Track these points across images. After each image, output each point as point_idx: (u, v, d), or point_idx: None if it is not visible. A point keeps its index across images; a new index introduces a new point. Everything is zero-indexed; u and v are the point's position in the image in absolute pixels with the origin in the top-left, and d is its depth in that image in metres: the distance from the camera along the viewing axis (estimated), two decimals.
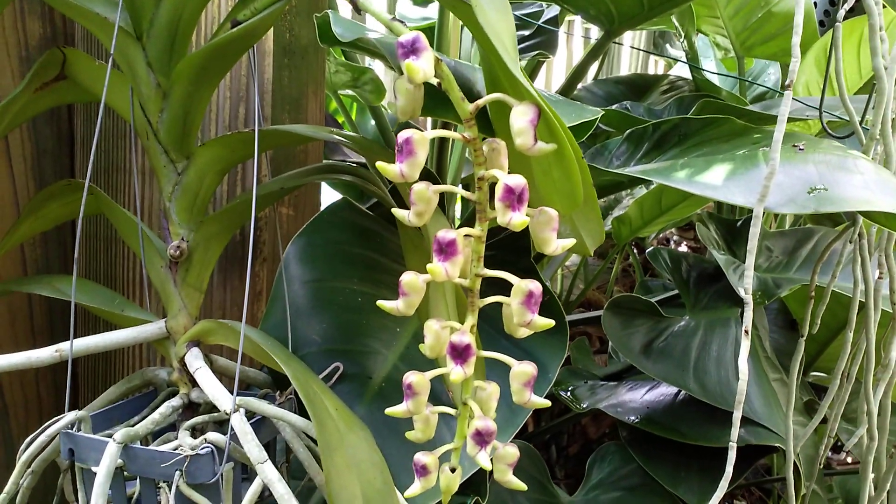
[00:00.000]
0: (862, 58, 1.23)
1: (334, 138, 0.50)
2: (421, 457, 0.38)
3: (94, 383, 0.63)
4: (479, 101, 0.36)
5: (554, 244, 0.37)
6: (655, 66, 2.23)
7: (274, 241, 0.64)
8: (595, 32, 1.81)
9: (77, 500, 0.52)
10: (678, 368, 0.74)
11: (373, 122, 1.27)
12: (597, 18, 0.81)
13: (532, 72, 1.11)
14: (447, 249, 0.35)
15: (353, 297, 0.56)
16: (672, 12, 1.00)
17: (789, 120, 0.86)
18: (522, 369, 0.37)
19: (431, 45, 0.92)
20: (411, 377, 0.37)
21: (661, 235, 1.79)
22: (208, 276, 0.48)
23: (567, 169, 0.37)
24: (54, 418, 0.44)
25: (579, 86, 1.21)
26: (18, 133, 0.61)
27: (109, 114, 0.60)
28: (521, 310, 0.36)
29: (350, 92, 1.03)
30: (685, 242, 1.85)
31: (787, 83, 0.51)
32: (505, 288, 0.37)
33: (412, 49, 0.33)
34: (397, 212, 0.38)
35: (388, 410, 0.37)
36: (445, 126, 0.68)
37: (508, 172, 0.36)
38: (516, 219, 0.34)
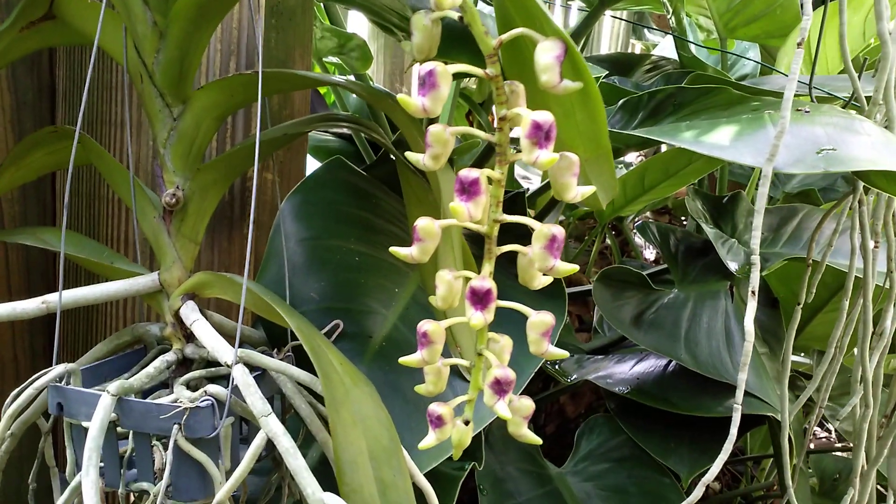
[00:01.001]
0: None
1: (340, 82, 0.48)
2: (436, 407, 0.36)
3: (75, 344, 0.61)
4: (504, 36, 0.34)
5: (574, 190, 0.36)
6: (633, 49, 2.24)
7: (261, 205, 0.62)
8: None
9: (57, 464, 0.49)
10: (669, 339, 0.74)
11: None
12: None
13: None
14: (470, 189, 0.33)
15: (351, 256, 0.55)
16: None
17: (772, 94, 0.86)
18: (541, 319, 0.36)
19: None
20: (427, 325, 0.36)
21: (636, 219, 1.79)
22: (204, 228, 0.46)
23: (592, 110, 0.36)
24: (41, 371, 0.41)
25: None
26: None
27: (95, 64, 0.58)
28: (544, 255, 0.34)
29: (334, 59, 1.01)
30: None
31: (798, 41, 0.50)
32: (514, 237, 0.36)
33: None
34: (412, 155, 0.36)
35: (403, 360, 0.36)
36: None
37: None
38: (543, 157, 0.32)
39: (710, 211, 0.92)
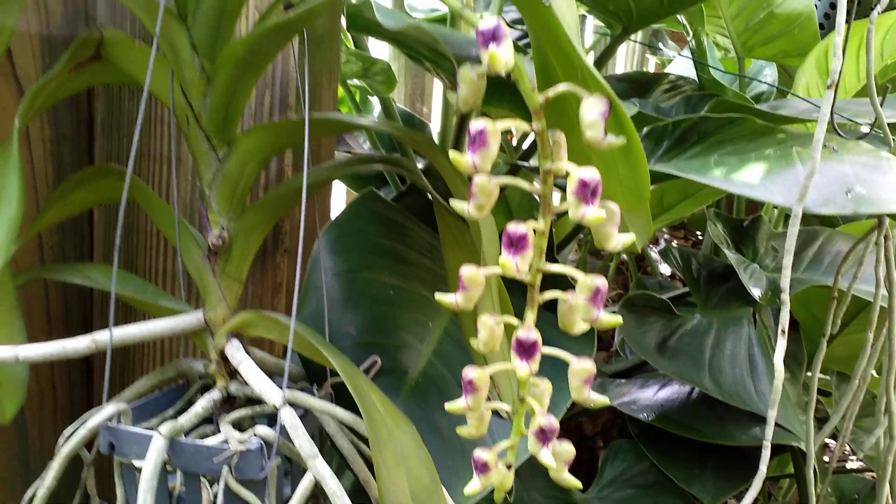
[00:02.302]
0: (861, 61, 1.25)
1: (381, 128, 0.49)
2: (481, 454, 0.37)
3: (112, 375, 0.62)
4: (550, 93, 0.35)
5: (615, 239, 0.37)
6: (646, 65, 2.24)
7: (294, 232, 0.63)
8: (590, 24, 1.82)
9: (98, 495, 0.51)
10: (693, 367, 0.74)
11: (376, 112, 1.26)
12: (615, 15, 0.81)
13: None
14: (518, 244, 0.34)
15: (385, 289, 0.56)
16: (687, 10, 1.00)
17: (794, 120, 0.87)
18: (582, 366, 0.37)
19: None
20: (472, 373, 0.37)
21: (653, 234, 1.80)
22: (247, 267, 0.47)
23: (634, 163, 0.37)
24: (93, 410, 0.43)
25: None
26: (38, 117, 0.59)
27: (135, 98, 0.59)
28: (588, 306, 0.35)
29: (358, 82, 1.02)
30: (675, 241, 1.86)
31: (829, 83, 0.51)
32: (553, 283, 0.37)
33: (494, 36, 0.32)
34: (457, 205, 0.37)
35: (448, 406, 0.37)
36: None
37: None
38: (590, 213, 0.33)
39: (731, 235, 0.93)
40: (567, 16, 0.37)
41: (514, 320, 0.38)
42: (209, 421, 0.47)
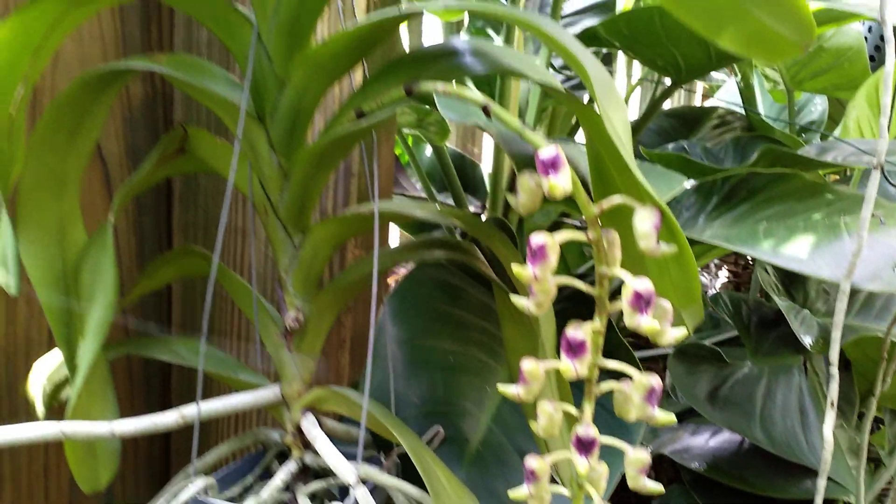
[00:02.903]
0: None
1: (444, 220, 0.52)
2: None
3: (187, 442, 0.66)
4: (605, 205, 0.38)
5: (669, 336, 0.39)
6: (693, 98, 2.25)
7: (356, 290, 0.67)
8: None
9: None
10: (744, 417, 0.76)
11: (427, 152, 1.29)
12: (664, 69, 0.83)
13: None
14: (577, 349, 0.37)
15: (446, 356, 0.59)
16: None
17: (832, 168, 0.88)
18: (637, 457, 0.39)
19: (492, 96, 0.94)
20: (533, 462, 0.39)
21: (701, 271, 1.80)
22: (321, 344, 0.51)
23: (686, 268, 0.40)
24: (181, 482, 0.46)
25: (629, 119, 1.23)
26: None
27: (211, 175, 0.63)
28: (643, 405, 0.38)
29: (412, 131, 1.06)
30: (725, 266, 1.86)
31: (875, 163, 0.52)
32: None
33: (552, 165, 0.35)
34: (518, 300, 0.40)
35: (512, 493, 0.40)
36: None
37: (622, 264, 0.38)
38: (645, 322, 0.36)
39: (782, 280, 0.94)
40: (619, 127, 0.40)
41: (572, 410, 0.40)
42: (286, 488, 0.51)
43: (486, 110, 0.40)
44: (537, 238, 0.37)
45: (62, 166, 0.50)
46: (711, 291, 1.87)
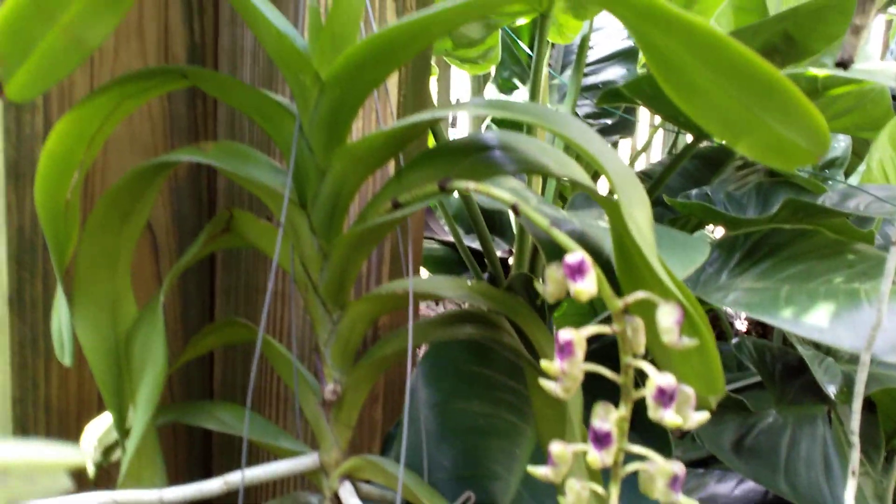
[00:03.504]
0: None
1: (474, 298, 0.54)
2: None
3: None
4: (629, 300, 0.40)
5: (691, 420, 0.41)
6: None
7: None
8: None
9: None
10: (768, 469, 0.77)
11: (455, 194, 1.32)
12: (685, 125, 0.85)
13: None
14: (603, 440, 0.39)
15: (476, 418, 0.61)
16: None
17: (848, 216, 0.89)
18: None
19: None
20: None
21: None
22: (357, 414, 0.53)
23: (708, 360, 0.42)
24: None
25: (654, 160, 1.25)
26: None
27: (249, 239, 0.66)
28: (667, 490, 0.40)
29: None
30: None
31: (893, 239, 0.54)
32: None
33: (578, 270, 0.37)
34: (546, 384, 0.42)
35: None
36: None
37: (646, 349, 0.40)
38: (668, 416, 0.38)
39: None
40: (641, 222, 0.42)
41: (599, 489, 0.43)
42: None
43: (514, 209, 0.42)
44: (565, 335, 0.39)
45: (115, 245, 0.54)
46: (738, 323, 1.88)
